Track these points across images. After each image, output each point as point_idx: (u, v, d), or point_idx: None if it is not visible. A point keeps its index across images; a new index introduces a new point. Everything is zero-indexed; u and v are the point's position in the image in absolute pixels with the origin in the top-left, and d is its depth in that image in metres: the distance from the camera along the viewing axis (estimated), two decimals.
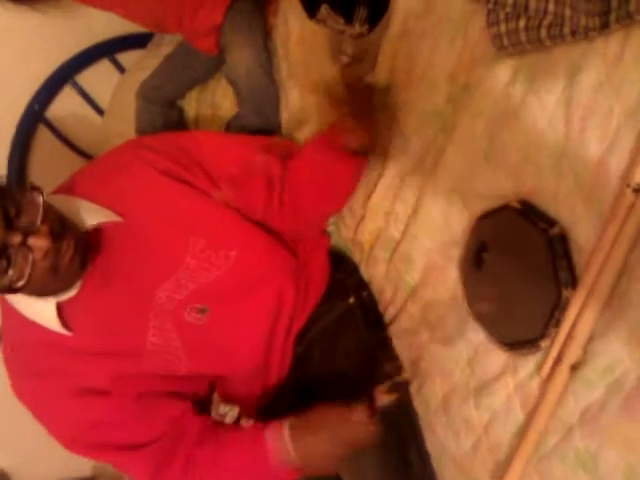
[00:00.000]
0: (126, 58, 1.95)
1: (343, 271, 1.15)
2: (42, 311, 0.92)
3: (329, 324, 1.10)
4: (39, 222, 0.81)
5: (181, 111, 1.62)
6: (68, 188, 1.00)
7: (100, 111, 1.95)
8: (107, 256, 0.94)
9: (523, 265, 0.78)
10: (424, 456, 1.02)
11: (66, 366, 0.96)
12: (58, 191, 1.01)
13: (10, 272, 0.80)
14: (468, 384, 0.88)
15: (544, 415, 0.75)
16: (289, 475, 0.96)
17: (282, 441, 0.93)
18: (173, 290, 0.98)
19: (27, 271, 0.80)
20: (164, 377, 1.02)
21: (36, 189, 0.83)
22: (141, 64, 1.77)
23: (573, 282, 0.72)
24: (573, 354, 0.72)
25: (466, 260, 0.88)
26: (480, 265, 0.84)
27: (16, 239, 0.79)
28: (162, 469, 0.99)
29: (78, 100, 1.93)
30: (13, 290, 0.83)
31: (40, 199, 0.82)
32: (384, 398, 0.93)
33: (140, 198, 0.99)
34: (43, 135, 1.90)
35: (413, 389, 1.03)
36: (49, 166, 1.90)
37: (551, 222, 0.74)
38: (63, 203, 0.93)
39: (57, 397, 0.97)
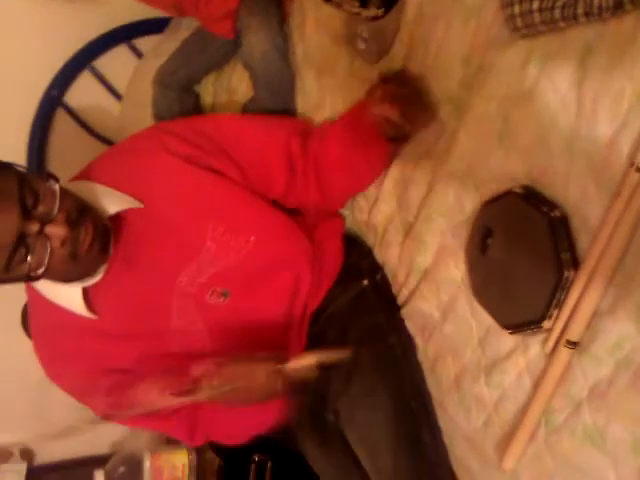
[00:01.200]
0: (144, 43, 1.96)
1: (357, 254, 1.16)
2: (68, 296, 0.94)
3: (343, 306, 1.12)
4: (56, 210, 0.82)
5: (198, 96, 1.63)
6: (88, 174, 1.01)
7: (118, 96, 1.97)
8: (129, 241, 0.96)
9: (526, 248, 0.79)
10: (436, 434, 1.04)
11: (94, 348, 0.99)
12: (78, 177, 1.02)
13: (29, 260, 0.82)
14: (479, 363, 0.90)
15: (547, 391, 0.77)
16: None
17: None
18: (194, 274, 1.00)
19: (46, 259, 0.82)
20: (189, 356, 1.03)
21: (53, 177, 0.85)
22: (158, 49, 1.78)
23: (575, 263, 0.73)
24: (575, 332, 0.73)
25: (471, 245, 0.89)
26: (485, 250, 0.85)
27: (34, 228, 0.80)
28: (197, 426, 1.05)
29: (96, 85, 1.95)
30: (33, 278, 0.85)
31: (57, 187, 0.84)
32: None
33: (160, 183, 1.00)
34: (62, 120, 1.93)
35: (426, 369, 1.04)
36: (68, 150, 1.93)
37: (553, 205, 0.75)
38: (84, 189, 0.94)
39: (86, 377, 1.01)
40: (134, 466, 1.69)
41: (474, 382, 0.91)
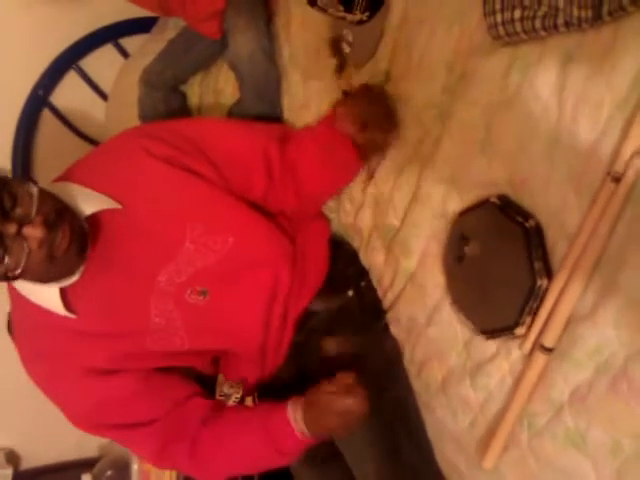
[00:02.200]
0: (130, 43, 1.96)
1: (343, 261, 1.16)
2: (46, 296, 0.95)
3: (328, 315, 1.12)
4: (34, 213, 0.84)
5: (184, 97, 1.63)
6: (69, 176, 1.02)
7: (104, 96, 1.96)
8: (107, 242, 0.96)
9: (501, 257, 0.80)
10: (417, 440, 1.05)
11: (71, 348, 0.99)
12: (60, 179, 1.03)
13: (6, 260, 0.83)
14: (465, 366, 0.91)
15: (523, 394, 0.79)
16: (296, 451, 1.01)
17: (288, 418, 0.98)
18: (173, 274, 1.00)
19: (23, 260, 0.83)
20: (166, 354, 1.05)
21: (31, 181, 0.86)
22: (144, 49, 1.77)
23: (548, 272, 0.75)
24: (549, 338, 0.74)
25: (449, 253, 0.91)
26: (462, 258, 0.87)
27: (11, 229, 0.82)
28: (168, 448, 1.03)
29: (82, 85, 1.93)
30: (10, 278, 0.86)
31: (35, 190, 0.85)
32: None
33: (139, 185, 1.00)
34: (47, 120, 1.92)
35: (413, 373, 1.05)
36: (53, 150, 1.92)
37: (527, 215, 0.77)
38: (63, 190, 0.95)
39: (64, 378, 1.01)
40: (122, 469, 1.69)
41: (460, 385, 0.91)
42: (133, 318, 1.01)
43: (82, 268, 0.94)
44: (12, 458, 1.88)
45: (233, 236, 1.03)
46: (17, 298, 0.99)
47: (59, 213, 0.87)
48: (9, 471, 1.81)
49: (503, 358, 0.83)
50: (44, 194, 0.87)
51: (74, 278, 0.94)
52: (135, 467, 1.67)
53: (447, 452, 1.01)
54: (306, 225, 1.19)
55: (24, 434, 1.88)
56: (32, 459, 1.92)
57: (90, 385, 1.00)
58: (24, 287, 0.95)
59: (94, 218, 0.95)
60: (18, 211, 0.84)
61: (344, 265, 1.15)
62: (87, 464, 1.78)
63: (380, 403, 1.00)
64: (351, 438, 1.03)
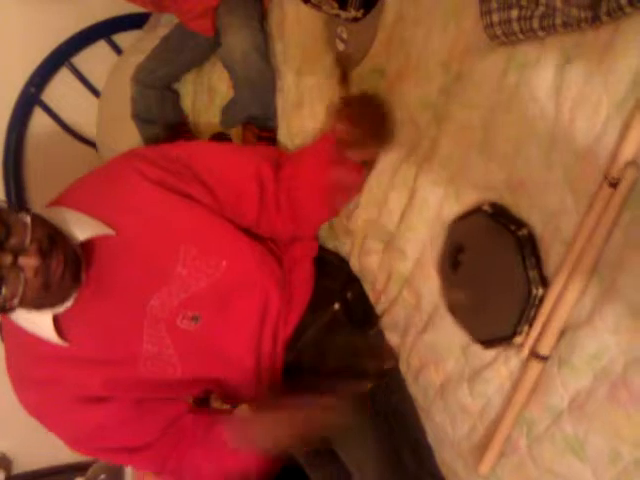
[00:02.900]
0: (123, 39, 1.94)
1: (328, 275, 1.16)
2: (39, 323, 0.94)
3: (317, 332, 1.12)
4: (28, 242, 0.83)
5: (177, 95, 1.61)
6: (63, 200, 1.02)
7: (97, 93, 1.94)
8: (100, 267, 0.96)
9: (496, 266, 0.80)
10: (417, 451, 1.04)
11: (64, 375, 0.99)
12: (54, 203, 1.03)
13: (3, 291, 0.82)
14: (463, 372, 0.89)
15: (519, 402, 0.78)
16: (252, 459, 1.03)
17: (233, 428, 1.01)
18: (165, 299, 1.00)
19: (20, 290, 0.83)
20: (160, 383, 1.04)
21: (24, 209, 0.86)
22: (137, 46, 1.75)
23: (543, 281, 0.74)
24: (544, 346, 0.74)
25: (444, 261, 0.90)
26: (457, 266, 0.86)
27: (7, 260, 0.81)
28: (164, 467, 1.05)
29: (75, 82, 1.91)
30: (7, 309, 0.85)
31: (28, 219, 0.85)
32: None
33: (133, 209, 1.00)
34: (39, 118, 1.90)
35: (410, 379, 1.04)
36: (45, 148, 1.90)
37: (520, 224, 0.76)
38: (57, 216, 0.95)
39: (57, 405, 1.00)
40: (115, 473, 1.68)
41: (458, 391, 0.90)
42: (126, 344, 1.00)
43: (75, 295, 0.94)
44: (4, 462, 1.87)
45: (226, 259, 1.03)
46: (8, 324, 0.98)
47: (52, 239, 0.87)
48: (1, 476, 1.80)
49: (502, 364, 0.82)
50: (37, 221, 0.86)
51: (67, 305, 0.94)
52: (129, 471, 1.66)
53: (447, 458, 1.00)
54: (292, 246, 1.18)
55: (16, 438, 1.86)
56: (24, 463, 1.91)
57: (83, 412, 1.00)
58: (17, 315, 0.94)
59: (87, 244, 0.95)
60: (12, 241, 0.83)
61: (328, 279, 1.15)
62: (80, 468, 1.77)
63: (378, 410, 0.99)
64: (353, 447, 1.03)
